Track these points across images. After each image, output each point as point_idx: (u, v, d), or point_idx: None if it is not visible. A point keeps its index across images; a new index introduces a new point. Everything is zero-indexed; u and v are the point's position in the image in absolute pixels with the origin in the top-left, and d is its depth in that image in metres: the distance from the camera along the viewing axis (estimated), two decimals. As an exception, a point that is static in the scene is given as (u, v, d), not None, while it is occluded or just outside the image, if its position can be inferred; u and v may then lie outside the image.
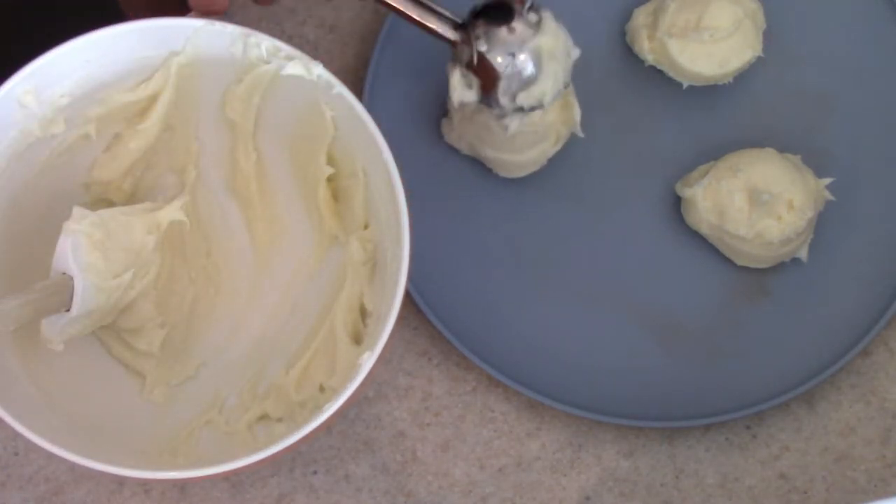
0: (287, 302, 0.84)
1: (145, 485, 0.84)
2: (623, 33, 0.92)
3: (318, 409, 0.74)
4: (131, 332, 0.83)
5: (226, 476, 0.83)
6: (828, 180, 0.88)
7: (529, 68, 0.80)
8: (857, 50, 0.92)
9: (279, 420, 0.81)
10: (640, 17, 0.90)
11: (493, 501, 0.85)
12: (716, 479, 0.86)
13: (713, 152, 0.89)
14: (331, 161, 0.82)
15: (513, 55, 0.79)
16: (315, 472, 0.85)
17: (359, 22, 0.92)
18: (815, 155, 0.89)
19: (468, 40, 0.79)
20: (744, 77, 0.90)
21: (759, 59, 0.90)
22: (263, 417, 0.81)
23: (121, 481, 0.84)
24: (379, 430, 0.86)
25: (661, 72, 0.91)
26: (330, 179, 0.82)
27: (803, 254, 0.88)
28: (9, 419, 0.72)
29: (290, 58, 0.78)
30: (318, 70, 0.78)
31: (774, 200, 0.85)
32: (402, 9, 0.80)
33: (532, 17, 0.79)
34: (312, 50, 0.91)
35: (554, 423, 0.86)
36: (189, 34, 0.78)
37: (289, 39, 0.90)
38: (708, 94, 0.91)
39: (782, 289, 0.88)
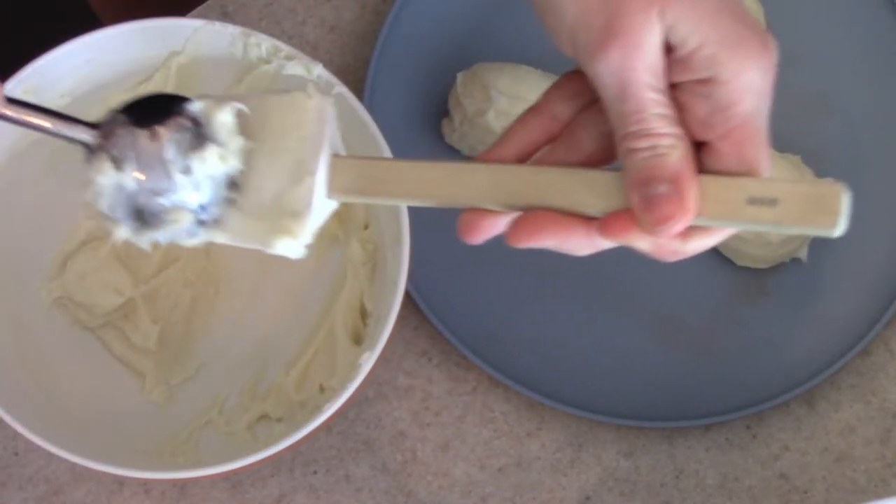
0: (287, 302, 0.84)
1: (145, 485, 0.84)
2: (623, 33, 0.92)
3: (318, 409, 0.74)
4: (125, 321, 0.83)
5: (226, 476, 0.84)
6: (828, 180, 0.87)
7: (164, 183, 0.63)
8: (857, 50, 0.92)
9: (279, 420, 0.81)
10: (640, 17, 0.90)
11: (493, 501, 0.85)
12: (716, 479, 0.86)
13: (713, 152, 0.89)
14: (331, 161, 0.82)
15: (167, 141, 0.63)
16: (315, 472, 0.85)
17: (359, 22, 0.92)
18: (815, 155, 0.89)
19: (108, 141, 0.63)
20: (744, 77, 0.90)
21: (759, 59, 0.90)
22: (263, 417, 0.81)
23: (121, 481, 0.84)
24: (379, 430, 0.86)
25: (661, 72, 0.91)
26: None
27: (803, 254, 0.88)
28: (9, 419, 0.72)
29: (290, 58, 0.78)
30: (318, 70, 0.78)
31: (774, 200, 0.85)
32: (23, 118, 0.63)
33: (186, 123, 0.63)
34: (312, 50, 0.91)
35: (554, 423, 0.86)
36: (189, 34, 0.78)
37: (289, 39, 0.90)
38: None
39: (782, 289, 0.88)
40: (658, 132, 0.56)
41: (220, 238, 0.64)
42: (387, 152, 0.76)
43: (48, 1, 1.05)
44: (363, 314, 0.81)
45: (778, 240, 0.85)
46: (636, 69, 0.56)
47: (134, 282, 0.83)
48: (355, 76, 0.90)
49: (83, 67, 0.78)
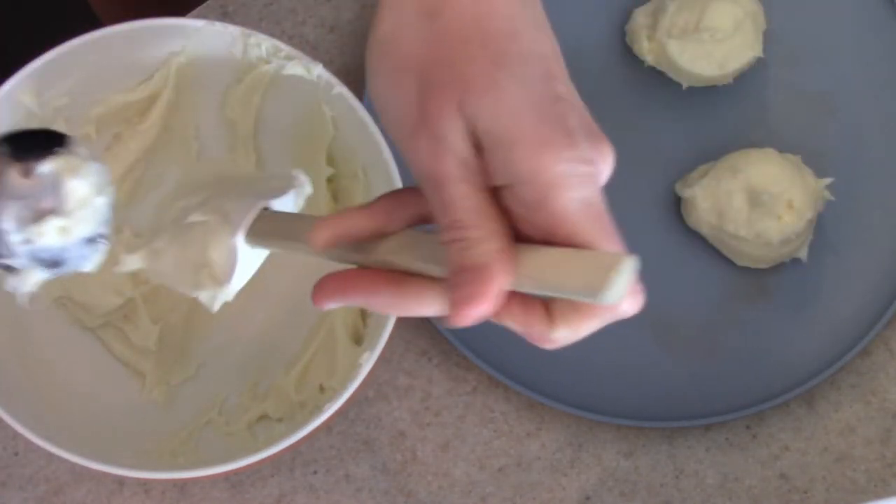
0: (287, 302, 0.84)
1: (145, 485, 0.84)
2: (623, 34, 0.92)
3: (318, 409, 0.74)
4: (125, 321, 0.83)
5: (226, 476, 0.84)
6: (828, 180, 0.88)
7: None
8: (857, 50, 0.92)
9: (279, 420, 0.81)
10: (640, 17, 0.90)
11: (493, 501, 0.85)
12: (716, 479, 0.86)
13: (713, 152, 0.89)
14: (331, 161, 0.82)
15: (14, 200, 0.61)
16: (315, 472, 0.85)
17: (359, 22, 0.92)
18: (815, 155, 0.89)
19: None
20: (744, 77, 0.90)
21: (759, 59, 0.90)
22: (263, 417, 0.81)
23: (121, 481, 0.84)
24: (379, 430, 0.86)
25: (660, 72, 0.91)
26: (330, 180, 0.82)
27: (803, 254, 0.88)
28: (9, 419, 0.72)
29: (290, 58, 0.78)
30: (318, 70, 0.78)
31: (774, 201, 0.85)
32: None
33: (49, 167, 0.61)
34: (312, 50, 0.91)
35: (554, 423, 0.86)
36: (189, 34, 0.78)
37: (289, 39, 0.90)
38: (708, 94, 0.91)
39: (782, 289, 0.88)
40: (467, 224, 0.55)
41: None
42: (386, 152, 0.76)
43: (48, 1, 1.05)
44: (363, 314, 0.81)
45: (778, 240, 0.85)
46: (445, 161, 0.55)
47: (134, 282, 0.83)
48: (355, 76, 0.90)
49: (83, 67, 0.78)
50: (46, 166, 0.60)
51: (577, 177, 0.55)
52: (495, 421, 0.86)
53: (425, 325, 0.87)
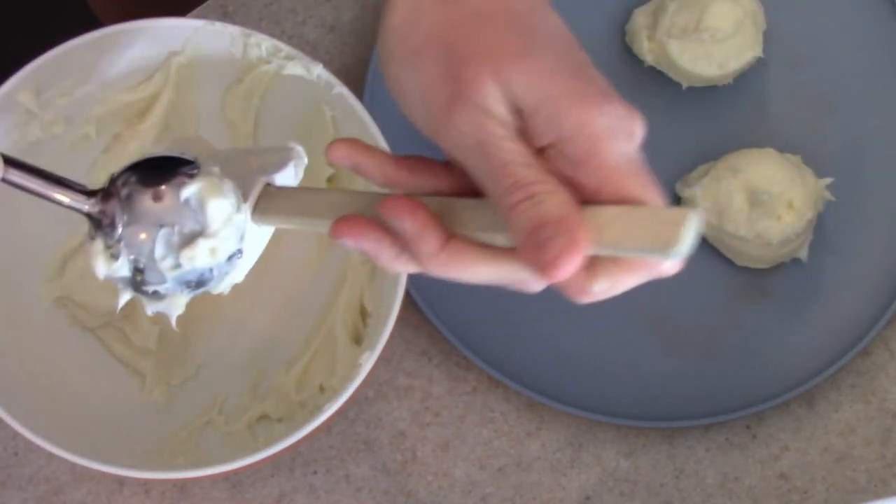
0: (287, 302, 0.84)
1: (145, 485, 0.84)
2: (623, 34, 0.92)
3: (318, 409, 0.74)
4: (125, 321, 0.83)
5: (226, 476, 0.84)
6: (828, 180, 0.88)
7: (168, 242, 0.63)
8: (857, 50, 0.92)
9: (279, 420, 0.81)
10: (640, 17, 0.90)
11: (493, 501, 0.85)
12: (716, 479, 0.86)
13: (713, 152, 0.89)
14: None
15: (159, 227, 0.63)
16: (315, 472, 0.85)
17: (359, 22, 0.92)
18: (815, 155, 0.89)
19: (106, 210, 0.64)
20: (744, 78, 0.90)
21: (759, 59, 0.90)
22: (263, 417, 0.81)
23: (121, 481, 0.84)
24: (379, 430, 0.86)
25: (660, 72, 0.91)
26: (330, 179, 0.82)
27: (803, 254, 0.88)
28: (9, 419, 0.72)
29: (290, 58, 0.78)
30: (318, 70, 0.78)
31: (774, 201, 0.85)
32: (24, 183, 0.63)
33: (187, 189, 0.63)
34: (312, 50, 0.91)
35: (554, 423, 0.86)
36: (189, 34, 0.78)
37: (289, 39, 0.90)
38: (708, 94, 0.91)
39: (782, 289, 0.88)
40: (530, 181, 0.55)
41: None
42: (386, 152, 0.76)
43: (48, 1, 1.05)
44: (363, 314, 0.81)
45: (778, 240, 0.85)
46: (487, 125, 0.55)
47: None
48: (355, 76, 0.90)
49: (83, 67, 0.78)
50: (191, 189, 0.62)
51: (622, 131, 0.56)
52: (495, 421, 0.86)
53: (425, 325, 0.87)
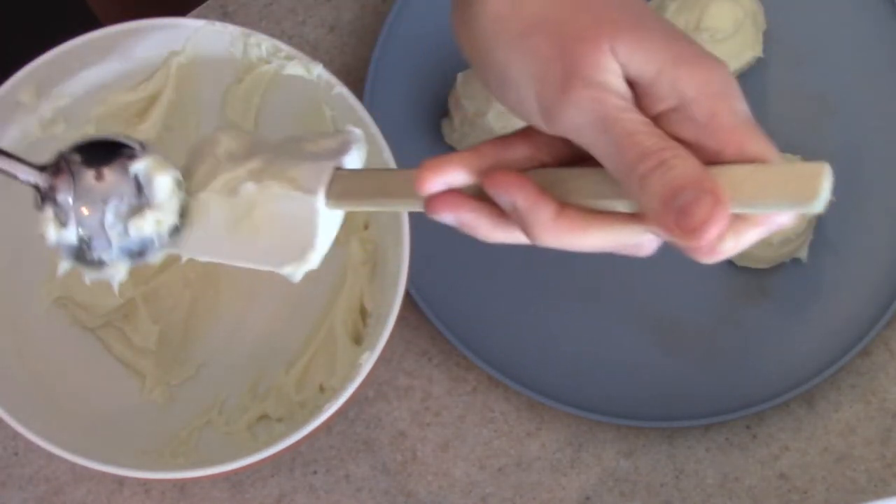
0: (287, 302, 0.84)
1: (145, 485, 0.84)
2: (623, 33, 0.92)
3: (318, 409, 0.74)
4: (125, 321, 0.83)
5: (226, 476, 0.83)
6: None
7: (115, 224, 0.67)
8: (857, 50, 0.92)
9: (279, 420, 0.81)
10: (640, 17, 0.90)
11: (493, 501, 0.85)
12: (716, 479, 0.86)
13: (713, 152, 0.89)
14: (331, 161, 0.82)
15: (110, 197, 0.66)
16: (315, 472, 0.85)
17: (359, 22, 0.92)
18: (815, 155, 0.89)
19: (58, 183, 0.66)
20: (744, 77, 0.90)
21: (759, 59, 0.90)
22: (263, 417, 0.81)
23: (121, 481, 0.84)
24: (379, 430, 0.86)
25: (661, 72, 0.91)
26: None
27: (803, 254, 0.88)
28: (9, 419, 0.72)
29: (290, 58, 0.78)
30: (318, 70, 0.78)
31: (774, 200, 0.85)
32: None
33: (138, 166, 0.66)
34: (312, 50, 0.91)
35: (554, 423, 0.86)
36: (189, 34, 0.78)
37: (289, 39, 0.90)
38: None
39: (782, 289, 0.88)
40: (658, 148, 0.55)
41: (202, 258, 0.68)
42: (387, 152, 0.76)
43: (48, 1, 1.05)
44: (363, 314, 0.81)
45: (778, 240, 0.85)
46: (607, 100, 0.56)
47: (134, 282, 0.83)
48: (355, 76, 0.90)
49: (83, 67, 0.78)
50: (140, 164, 0.66)
51: (736, 89, 0.57)
52: (495, 421, 0.86)
53: (425, 325, 0.87)
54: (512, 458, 0.86)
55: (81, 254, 0.66)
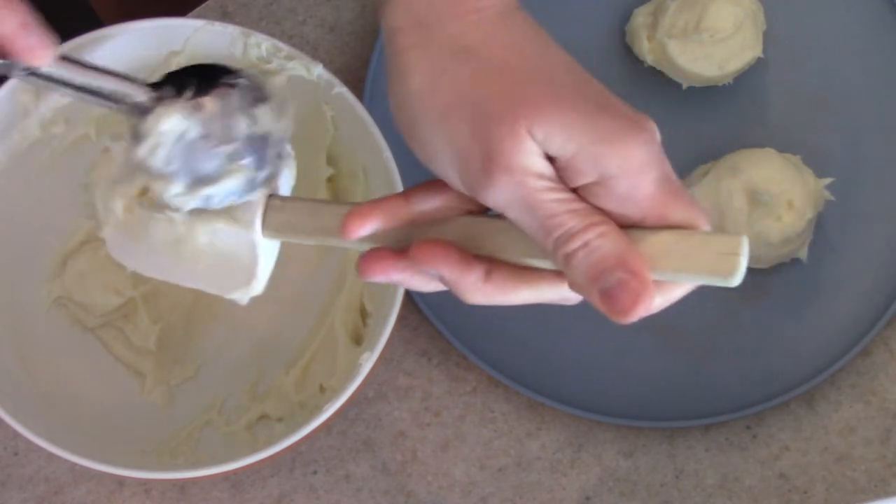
0: (287, 302, 0.84)
1: (145, 485, 0.84)
2: (623, 34, 0.92)
3: (318, 409, 0.74)
4: (125, 321, 0.83)
5: (226, 476, 0.83)
6: (828, 180, 0.88)
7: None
8: (857, 50, 0.92)
9: (279, 420, 0.81)
10: (640, 17, 0.90)
11: (493, 501, 0.85)
12: (716, 479, 0.86)
13: (713, 152, 0.89)
14: (331, 161, 0.82)
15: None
16: (315, 472, 0.85)
17: (359, 22, 0.92)
18: (815, 155, 0.89)
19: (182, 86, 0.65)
20: (744, 78, 0.90)
21: (759, 59, 0.90)
22: (263, 417, 0.81)
23: (121, 481, 0.84)
24: (379, 430, 0.86)
25: (660, 72, 0.91)
26: (330, 180, 0.82)
27: (803, 254, 0.88)
28: (9, 419, 0.72)
29: (290, 58, 0.78)
30: (318, 70, 0.78)
31: (774, 201, 0.85)
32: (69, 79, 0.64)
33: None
34: (312, 50, 0.91)
35: (554, 423, 0.86)
36: (189, 34, 0.78)
37: (289, 39, 0.90)
38: (708, 94, 0.91)
39: (782, 289, 0.88)
40: (580, 228, 0.56)
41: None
42: (386, 152, 0.77)
43: (48, 1, 1.05)
44: (363, 314, 0.81)
45: (778, 240, 0.85)
46: (528, 182, 0.56)
47: (134, 282, 0.83)
48: (355, 76, 0.90)
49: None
50: (244, 77, 0.65)
51: (655, 156, 0.57)
52: (495, 421, 0.86)
53: (425, 326, 0.87)
54: (512, 458, 0.86)
55: (200, 164, 0.63)
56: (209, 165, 0.63)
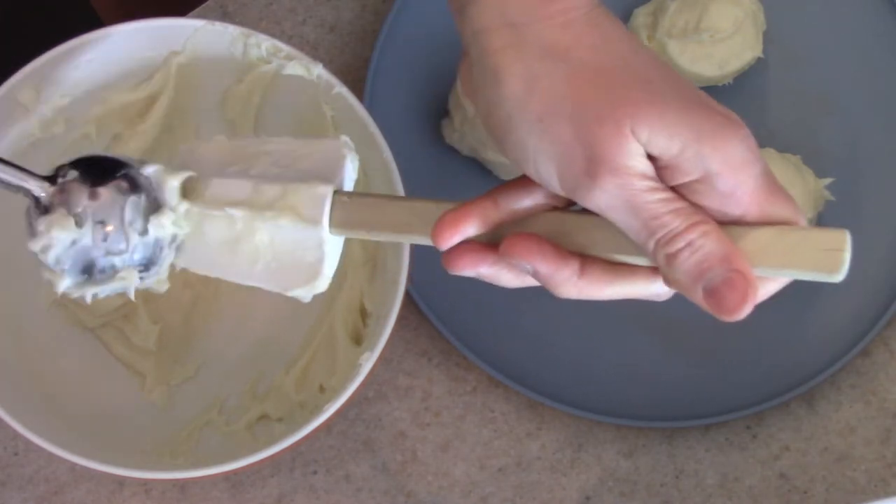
0: (287, 302, 0.84)
1: (145, 485, 0.84)
2: (623, 33, 0.92)
3: (318, 409, 0.74)
4: (125, 321, 0.83)
5: (226, 476, 0.84)
6: (828, 180, 0.88)
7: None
8: (857, 50, 0.92)
9: (279, 420, 0.81)
10: (640, 17, 0.90)
11: (493, 501, 0.85)
12: (716, 479, 0.86)
13: (713, 152, 0.89)
14: (331, 161, 0.82)
15: (128, 195, 0.65)
16: (315, 472, 0.85)
17: (359, 22, 0.92)
18: (815, 155, 0.89)
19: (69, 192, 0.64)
20: (744, 78, 0.90)
21: (759, 59, 0.90)
22: (263, 417, 0.81)
23: (121, 481, 0.84)
24: (379, 430, 0.86)
25: (661, 72, 0.91)
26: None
27: (803, 254, 0.88)
28: (9, 419, 0.72)
29: (290, 58, 0.78)
30: (318, 70, 0.78)
31: (774, 200, 0.85)
32: None
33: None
34: (312, 50, 0.91)
35: (554, 423, 0.86)
36: (189, 34, 0.78)
37: (289, 39, 0.90)
38: (708, 94, 0.90)
39: (782, 289, 0.88)
40: (683, 228, 0.56)
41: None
42: (387, 152, 0.77)
43: (48, 1, 1.05)
44: (363, 314, 0.81)
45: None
46: (633, 185, 0.56)
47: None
48: (355, 76, 0.90)
49: (83, 67, 0.78)
50: (150, 168, 0.65)
51: (755, 152, 0.57)
52: (495, 421, 0.86)
53: (425, 325, 0.87)
54: (512, 458, 0.86)
55: (90, 266, 0.64)
56: (98, 270, 0.65)
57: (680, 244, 0.56)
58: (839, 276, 0.56)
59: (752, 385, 0.86)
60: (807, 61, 0.92)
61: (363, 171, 0.80)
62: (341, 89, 0.77)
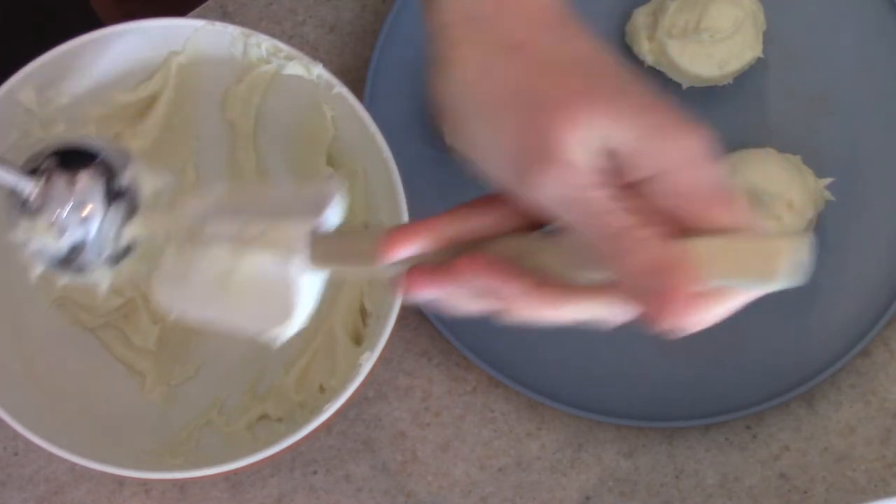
0: (287, 302, 0.84)
1: (145, 485, 0.84)
2: (623, 34, 0.92)
3: (318, 409, 0.74)
4: (125, 321, 0.83)
5: (226, 476, 0.84)
6: (828, 180, 0.88)
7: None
8: (857, 50, 0.92)
9: (279, 420, 0.81)
10: (640, 17, 0.90)
11: (493, 501, 0.85)
12: (716, 479, 0.86)
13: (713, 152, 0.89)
14: (331, 161, 0.82)
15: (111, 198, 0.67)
16: (315, 472, 0.85)
17: (359, 22, 0.92)
18: (815, 155, 0.89)
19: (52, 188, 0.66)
20: (744, 78, 0.90)
21: (758, 59, 0.90)
22: (263, 417, 0.81)
23: (121, 481, 0.84)
24: (379, 430, 0.86)
25: (660, 72, 0.91)
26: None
27: (803, 254, 0.88)
28: (9, 419, 0.72)
29: (290, 58, 0.78)
30: (318, 70, 0.78)
31: (774, 200, 0.85)
32: None
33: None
34: (312, 50, 0.91)
35: (554, 423, 0.86)
36: (189, 34, 0.78)
37: (289, 39, 0.90)
38: (708, 94, 0.91)
39: (782, 289, 0.88)
40: (633, 225, 0.54)
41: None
42: (387, 152, 0.77)
43: (48, 1, 1.05)
44: (363, 314, 0.81)
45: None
46: (581, 178, 0.54)
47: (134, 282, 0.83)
48: (355, 76, 0.90)
49: (83, 67, 0.78)
50: (131, 171, 0.67)
51: (710, 154, 0.55)
52: (495, 421, 0.86)
53: (425, 326, 0.87)
54: (512, 458, 0.86)
55: (66, 259, 0.67)
56: (74, 267, 0.68)
57: (625, 243, 0.54)
58: (777, 283, 0.54)
59: (752, 385, 0.86)
60: (807, 61, 0.92)
61: (363, 171, 0.80)
62: (341, 89, 0.77)
